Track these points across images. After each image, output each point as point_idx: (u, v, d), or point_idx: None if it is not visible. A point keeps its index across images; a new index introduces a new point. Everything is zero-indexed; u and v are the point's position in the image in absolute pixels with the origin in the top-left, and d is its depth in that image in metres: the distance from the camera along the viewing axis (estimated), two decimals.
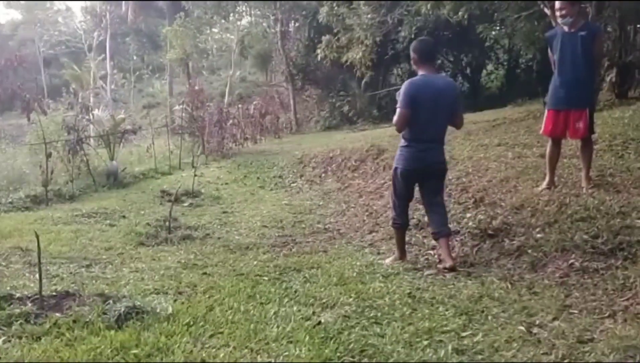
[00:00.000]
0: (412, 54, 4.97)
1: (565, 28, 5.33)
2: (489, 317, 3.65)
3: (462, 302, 3.93)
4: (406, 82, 4.88)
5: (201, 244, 6.03)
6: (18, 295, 4.02)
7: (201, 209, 8.23)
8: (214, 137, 14.69)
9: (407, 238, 5.64)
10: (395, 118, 4.87)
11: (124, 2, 33.04)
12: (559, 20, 5.36)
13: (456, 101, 4.97)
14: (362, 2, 13.47)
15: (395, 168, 5.05)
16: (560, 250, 4.50)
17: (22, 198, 8.52)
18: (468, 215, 5.58)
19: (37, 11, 43.97)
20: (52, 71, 47.60)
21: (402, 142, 4.98)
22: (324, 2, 14.77)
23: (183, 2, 25.20)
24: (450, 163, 7.40)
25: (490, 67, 21.92)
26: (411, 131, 4.87)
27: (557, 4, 5.33)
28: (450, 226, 5.50)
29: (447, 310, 3.80)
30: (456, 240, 5.31)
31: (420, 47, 4.92)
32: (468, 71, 21.24)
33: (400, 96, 4.81)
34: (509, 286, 4.20)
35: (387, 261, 5.09)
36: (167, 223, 6.66)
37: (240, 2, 25.17)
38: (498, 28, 13.61)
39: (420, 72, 4.87)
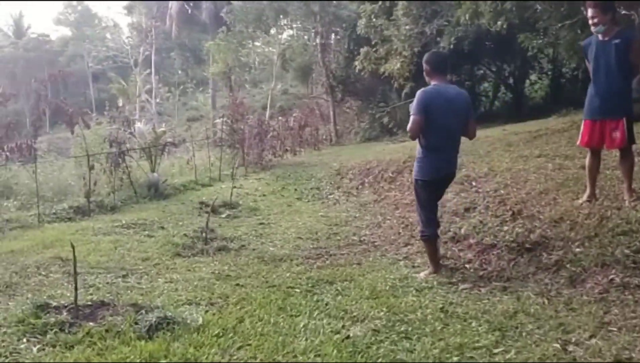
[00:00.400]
0: (424, 66, 5.11)
1: (600, 37, 5.19)
2: (524, 334, 3.55)
3: (496, 318, 3.84)
4: (419, 91, 4.97)
5: (236, 255, 6.07)
6: (55, 304, 4.13)
7: (238, 220, 8.29)
8: (254, 149, 14.84)
9: (443, 251, 5.60)
10: (409, 126, 4.93)
11: (168, 18, 33.76)
12: (592, 28, 5.22)
13: (468, 109, 5.12)
14: (400, 13, 13.39)
15: (416, 180, 5.12)
16: (600, 264, 4.35)
17: (66, 209, 8.78)
18: (505, 228, 5.45)
19: (85, 27, 45.51)
20: (100, 86, 49.19)
21: (420, 153, 5.05)
22: (362, 14, 14.74)
23: (224, 18, 25.59)
24: (489, 175, 7.31)
25: (533, 77, 21.49)
26: (428, 141, 4.96)
27: (589, 12, 5.19)
28: (487, 239, 5.45)
29: (480, 325, 3.72)
30: (492, 254, 5.18)
31: (433, 59, 5.13)
32: (511, 80, 20.87)
33: (413, 104, 4.90)
34: (546, 301, 4.09)
35: (422, 275, 5.02)
36: (203, 234, 6.74)
37: (281, 16, 25.44)
38: (541, 38, 13.32)
39: (433, 83, 5.01)
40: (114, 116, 11.89)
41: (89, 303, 4.25)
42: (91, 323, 3.82)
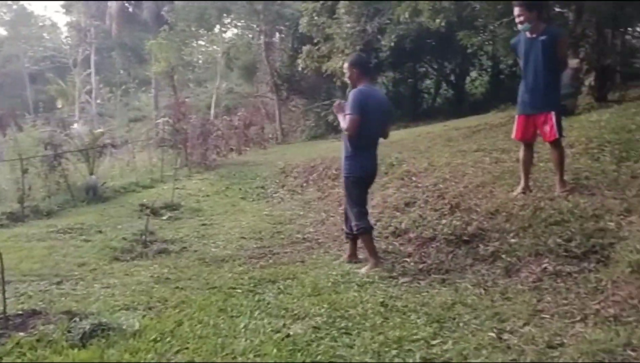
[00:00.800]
0: (352, 69, 5.26)
1: (527, 34, 5.34)
2: (460, 324, 3.61)
3: (435, 310, 3.89)
4: (356, 91, 5.13)
5: (177, 257, 5.95)
6: None
7: (180, 222, 8.14)
8: (197, 149, 14.60)
9: (384, 246, 5.66)
10: (347, 125, 5.04)
11: (107, 17, 32.89)
12: (519, 26, 5.37)
13: (390, 112, 5.64)
14: (342, 11, 13.46)
15: (347, 177, 5.25)
16: (534, 254, 4.48)
17: None
18: (444, 221, 5.55)
19: (21, 27, 43.82)
20: (38, 87, 47.37)
21: (349, 151, 5.20)
22: (305, 13, 14.74)
23: (166, 16, 25.14)
24: (429, 170, 7.42)
25: (474, 73, 22.03)
26: (361, 139, 5.12)
27: (515, 11, 5.35)
28: (427, 232, 5.54)
29: (418, 318, 3.76)
30: (432, 247, 5.28)
31: (362, 62, 5.41)
32: (452, 77, 21.33)
33: (350, 103, 5.05)
34: (483, 292, 4.18)
35: (363, 270, 5.04)
36: (143, 237, 6.59)
37: (225, 15, 25.16)
38: (480, 35, 13.64)
39: (361, 85, 5.17)
40: (48, 117, 11.48)
41: (20, 312, 4.08)
42: (21, 333, 3.67)
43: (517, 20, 5.33)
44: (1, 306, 3.90)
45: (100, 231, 7.40)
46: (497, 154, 7.42)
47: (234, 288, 4.70)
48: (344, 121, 5.11)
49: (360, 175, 5.23)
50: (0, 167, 12.73)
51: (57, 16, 64.27)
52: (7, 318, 3.86)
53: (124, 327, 3.74)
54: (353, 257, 5.39)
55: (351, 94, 5.12)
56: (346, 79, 5.51)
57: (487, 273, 4.54)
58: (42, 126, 12.25)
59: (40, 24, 46.86)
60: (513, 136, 5.72)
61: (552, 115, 5.21)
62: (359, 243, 5.37)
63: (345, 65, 5.40)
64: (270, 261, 5.72)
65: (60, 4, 47.05)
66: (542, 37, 5.22)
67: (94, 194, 10.19)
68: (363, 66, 5.34)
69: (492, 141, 8.60)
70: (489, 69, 21.14)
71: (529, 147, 5.55)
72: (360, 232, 5.21)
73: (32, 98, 45.60)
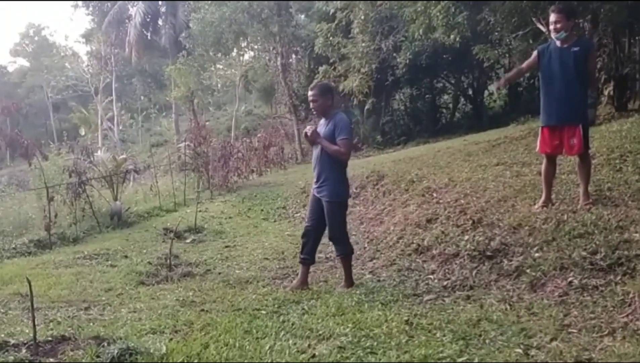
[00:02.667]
0: (324, 96, 5.33)
1: (558, 43, 5.29)
2: (487, 341, 3.58)
3: (460, 327, 3.86)
4: (344, 117, 5.35)
5: (201, 280, 6.00)
6: (13, 341, 4.00)
7: (203, 244, 8.22)
8: (219, 172, 14.76)
9: (407, 264, 5.65)
10: (345, 149, 5.22)
11: (127, 44, 33.53)
12: (553, 34, 5.31)
13: None
14: (357, 30, 13.59)
15: (339, 203, 5.32)
16: (559, 268, 4.43)
17: (26, 243, 8.58)
18: (466, 237, 5.52)
19: (43, 58, 44.84)
20: (62, 115, 48.40)
21: (337, 176, 5.28)
22: (319, 33, 14.90)
23: (184, 42, 25.55)
24: (449, 185, 7.41)
25: (492, 87, 21.95)
26: (346, 164, 5.36)
27: (552, 17, 5.26)
28: (450, 249, 5.52)
29: (444, 335, 3.74)
30: (455, 263, 5.25)
31: (332, 89, 5.62)
32: (470, 92, 21.30)
33: (344, 128, 5.20)
34: (508, 307, 4.14)
35: (338, 289, 5.23)
36: (167, 261, 6.66)
37: (241, 38, 25.48)
38: (495, 49, 13.66)
39: (333, 111, 5.33)
40: (72, 145, 11.70)
41: (49, 338, 4.13)
42: (51, 360, 3.72)
43: (552, 27, 5.24)
44: (31, 332, 3.96)
45: (125, 256, 7.50)
46: (517, 168, 7.38)
47: (259, 310, 4.72)
48: (330, 147, 5.16)
49: (345, 198, 5.41)
50: (27, 195, 13.01)
51: (78, 46, 65.61)
52: (37, 344, 3.91)
53: (152, 351, 3.77)
54: (304, 285, 5.38)
55: (341, 120, 5.23)
56: (312, 107, 5.47)
57: (512, 288, 4.51)
58: (67, 154, 12.51)
59: (62, 54, 47.78)
60: (538, 149, 5.65)
61: (580, 128, 5.16)
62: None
63: (312, 93, 5.36)
64: (294, 281, 5.73)
65: (80, 33, 47.99)
66: (575, 48, 5.16)
67: (118, 220, 10.33)
68: (333, 93, 5.51)
69: (512, 154, 8.56)
70: None
71: (552, 160, 5.51)
72: (346, 255, 5.31)
73: (56, 127, 46.61)
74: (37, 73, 47.49)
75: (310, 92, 5.38)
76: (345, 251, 5.32)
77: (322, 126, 5.34)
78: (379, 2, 13.67)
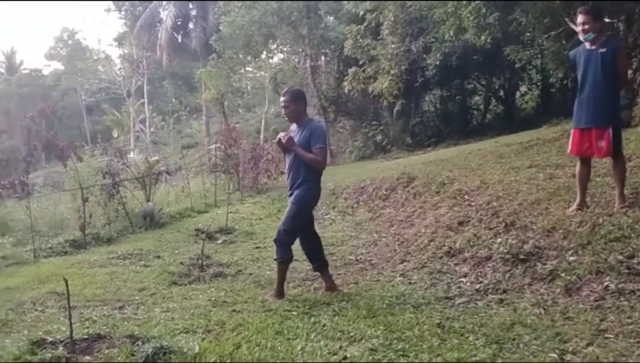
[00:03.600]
0: (297, 102, 5.23)
1: (587, 45, 5.24)
2: (521, 345, 3.54)
3: (493, 330, 3.83)
4: (320, 125, 5.38)
5: (232, 281, 6.06)
6: (51, 339, 4.10)
7: (234, 245, 8.29)
8: (249, 173, 14.86)
9: (439, 266, 5.62)
10: (322, 158, 5.16)
11: (158, 47, 34.00)
12: (581, 36, 5.26)
13: None
14: (386, 32, 13.54)
15: (303, 207, 5.25)
16: (595, 272, 4.36)
17: (61, 243, 8.79)
18: (499, 240, 5.46)
19: (77, 61, 45.70)
20: (95, 118, 49.30)
21: (310, 183, 5.19)
22: (349, 35, 14.89)
23: (214, 45, 25.77)
24: (481, 188, 7.33)
25: (524, 88, 21.63)
26: (322, 171, 5.26)
27: (579, 18, 5.21)
28: (482, 252, 5.46)
29: (477, 339, 3.71)
30: (488, 266, 5.19)
31: (304, 95, 5.39)
32: (502, 93, 21.00)
33: (321, 135, 5.16)
34: (542, 312, 4.09)
35: (268, 296, 5.23)
36: (199, 261, 6.74)
37: (270, 41, 25.62)
38: (527, 49, 13.45)
39: (306, 118, 5.28)
40: (106, 147, 11.92)
41: (85, 336, 4.22)
42: (87, 357, 3.80)
43: (580, 28, 5.20)
44: (68, 330, 4.06)
45: (158, 257, 7.62)
46: (551, 170, 7.28)
47: (290, 311, 4.74)
48: (305, 155, 5.08)
49: (312, 206, 5.39)
50: (62, 196, 13.29)
51: (111, 49, 66.74)
52: (74, 342, 4.00)
53: (185, 350, 3.83)
54: (333, 286, 5.34)
55: (317, 128, 5.21)
56: (284, 113, 5.35)
57: (546, 292, 4.44)
58: (100, 156, 12.74)
59: (95, 57, 48.71)
60: (569, 151, 5.59)
61: (610, 131, 5.07)
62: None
63: (284, 98, 5.25)
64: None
65: (113, 37, 48.88)
66: (602, 50, 5.10)
67: (151, 221, 10.48)
68: (305, 99, 5.35)
69: (545, 156, 8.43)
70: (538, 83, 20.73)
71: (586, 162, 5.42)
72: (283, 261, 5.24)
73: (89, 129, 47.49)
74: (71, 76, 48.46)
75: (282, 98, 5.29)
76: (283, 256, 5.23)
77: (295, 133, 5.23)
78: (409, 3, 13.62)
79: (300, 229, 5.27)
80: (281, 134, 5.27)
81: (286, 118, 5.34)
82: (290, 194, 5.27)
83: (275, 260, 5.36)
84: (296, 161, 5.16)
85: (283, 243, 5.22)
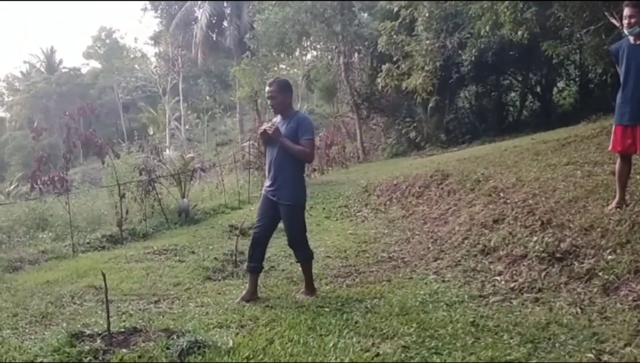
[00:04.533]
0: (284, 93, 5.07)
1: (631, 39, 5.09)
2: (557, 345, 3.50)
3: (528, 329, 3.79)
4: (307, 117, 5.21)
5: (265, 276, 6.09)
6: (89, 332, 4.20)
7: None
8: None
9: (473, 264, 5.56)
10: (311, 150, 4.99)
11: (193, 46, 34.43)
12: (626, 29, 5.12)
13: None
14: (421, 28, 13.42)
15: (295, 205, 5.11)
16: (634, 271, 4.26)
17: (99, 238, 8.99)
18: (535, 238, 5.37)
19: (114, 60, 46.67)
20: (131, 115, 50.35)
21: (297, 178, 5.09)
22: (383, 32, 14.81)
23: (248, 43, 25.97)
24: (517, 185, 7.22)
25: (561, 84, 21.21)
26: (306, 165, 5.16)
27: (626, 11, 5.04)
28: (517, 250, 5.38)
29: (511, 338, 3.67)
30: (523, 265, 5.11)
31: (291, 86, 5.23)
32: (538, 89, 20.63)
33: (309, 127, 4.99)
34: (579, 311, 4.02)
35: (299, 297, 5.14)
36: (233, 257, 6.81)
37: (304, 38, 25.69)
38: (565, 44, 13.16)
39: (291, 110, 5.13)
40: (142, 144, 12.14)
41: (122, 330, 4.31)
42: (124, 350, 3.88)
43: (626, 22, 5.03)
44: (105, 324, 4.15)
45: (193, 252, 7.72)
46: (589, 168, 7.12)
47: (322, 307, 4.76)
48: (293, 147, 4.91)
49: (304, 201, 5.20)
50: (99, 192, 13.60)
51: (147, 48, 67.96)
52: (111, 335, 4.10)
53: (219, 345, 3.88)
54: (254, 295, 5.14)
55: (304, 119, 5.06)
56: (270, 104, 5.13)
57: (583, 291, 4.36)
58: (137, 153, 12.99)
59: (132, 56, 49.68)
60: (610, 148, 5.46)
61: None
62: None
63: (271, 89, 5.06)
64: (356, 280, 5.75)
65: (149, 36, 49.69)
66: None
67: (186, 217, 10.64)
68: (292, 90, 5.21)
69: (583, 153, 8.25)
70: (577, 79, 20.30)
71: (627, 159, 5.28)
72: (307, 259, 5.20)
73: (126, 126, 48.47)
74: (108, 75, 49.51)
75: (268, 88, 5.09)
76: (306, 257, 5.18)
77: (281, 125, 5.04)
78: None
79: (303, 225, 5.21)
80: (266, 125, 5.11)
81: (272, 109, 5.18)
82: (273, 190, 5.08)
83: (297, 262, 5.39)
84: (279, 155, 5.00)
85: (300, 246, 5.18)
